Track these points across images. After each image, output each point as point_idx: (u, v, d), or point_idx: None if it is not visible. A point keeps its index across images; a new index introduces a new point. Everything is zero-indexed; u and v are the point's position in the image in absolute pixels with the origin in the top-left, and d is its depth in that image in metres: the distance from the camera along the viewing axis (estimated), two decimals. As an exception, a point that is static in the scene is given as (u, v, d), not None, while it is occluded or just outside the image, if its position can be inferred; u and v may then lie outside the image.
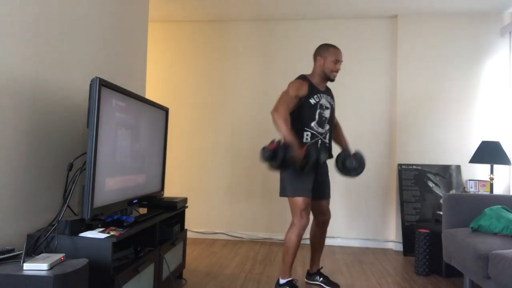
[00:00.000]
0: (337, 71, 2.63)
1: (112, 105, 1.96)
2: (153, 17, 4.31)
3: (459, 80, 3.93)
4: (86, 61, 2.36)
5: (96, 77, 1.77)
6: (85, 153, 1.98)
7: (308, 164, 2.44)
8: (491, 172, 3.36)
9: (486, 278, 2.14)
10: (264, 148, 2.38)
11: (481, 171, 3.86)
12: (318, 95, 2.64)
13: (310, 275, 2.84)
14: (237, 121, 4.28)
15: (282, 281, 2.61)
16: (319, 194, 2.69)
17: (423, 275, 3.06)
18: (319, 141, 2.64)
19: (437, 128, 3.93)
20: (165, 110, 2.80)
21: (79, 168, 2.04)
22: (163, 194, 2.82)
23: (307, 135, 2.61)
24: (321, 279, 2.77)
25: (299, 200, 2.54)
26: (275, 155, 2.31)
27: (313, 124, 2.61)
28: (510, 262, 1.90)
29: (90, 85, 1.78)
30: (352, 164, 2.64)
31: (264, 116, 4.25)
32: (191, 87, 4.37)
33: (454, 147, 3.91)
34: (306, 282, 2.84)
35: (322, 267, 2.88)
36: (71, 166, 1.96)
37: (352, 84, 4.15)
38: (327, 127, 2.68)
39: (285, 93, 2.57)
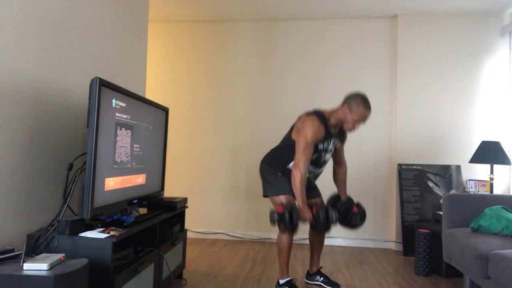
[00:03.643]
0: (354, 129, 2.51)
1: (112, 105, 1.96)
2: (153, 17, 4.31)
3: (459, 80, 3.93)
4: (86, 61, 2.36)
5: (96, 77, 1.77)
6: (85, 153, 1.98)
7: (317, 225, 2.46)
8: (491, 172, 3.36)
9: (486, 278, 2.14)
10: (272, 212, 2.39)
11: (481, 171, 3.86)
12: (328, 140, 2.56)
13: (310, 275, 2.84)
14: (237, 121, 4.28)
15: (281, 281, 2.63)
16: (308, 195, 2.68)
17: (423, 275, 3.06)
18: (311, 176, 2.68)
19: (437, 128, 3.93)
20: (165, 110, 2.80)
21: (79, 168, 2.04)
22: (163, 194, 2.82)
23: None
24: (322, 278, 2.77)
25: (283, 198, 2.54)
26: (283, 219, 2.34)
27: (309, 165, 2.58)
28: (510, 262, 1.90)
29: (90, 85, 1.78)
30: (357, 222, 2.62)
31: (264, 116, 4.25)
32: (191, 87, 4.37)
33: (454, 147, 3.91)
34: (306, 283, 2.84)
35: (321, 267, 2.88)
36: (71, 166, 1.96)
37: (352, 84, 4.15)
38: (323, 167, 2.69)
39: (304, 139, 2.43)
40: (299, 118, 2.58)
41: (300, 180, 2.40)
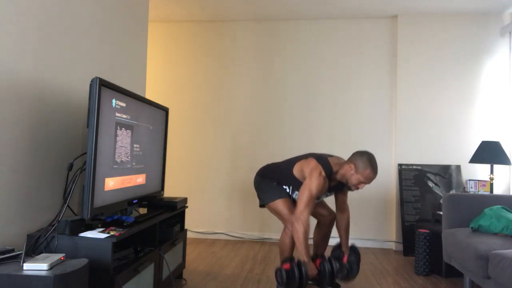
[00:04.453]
0: (358, 188, 2.45)
1: (112, 105, 1.96)
2: (153, 17, 4.31)
3: (459, 80, 3.93)
4: (86, 61, 2.36)
5: (96, 77, 1.77)
6: (85, 153, 1.98)
7: (323, 281, 2.37)
8: (491, 172, 3.36)
9: (486, 278, 2.14)
10: (279, 270, 2.27)
11: (481, 171, 3.86)
12: (327, 194, 2.58)
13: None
14: (237, 121, 4.28)
15: (282, 281, 2.62)
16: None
17: (423, 275, 3.06)
18: None
19: (437, 128, 3.93)
20: (165, 110, 2.80)
21: (79, 168, 2.04)
22: (163, 194, 2.82)
23: (290, 195, 2.60)
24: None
25: (279, 202, 2.53)
26: (290, 277, 2.24)
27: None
28: (510, 262, 1.90)
29: (90, 85, 1.78)
30: (353, 273, 2.55)
31: (264, 115, 4.25)
32: (191, 87, 4.37)
33: (454, 147, 3.91)
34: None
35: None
36: (71, 166, 1.96)
37: (352, 84, 4.15)
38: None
39: (309, 192, 2.38)
40: (305, 158, 2.53)
41: (303, 234, 2.32)
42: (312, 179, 2.40)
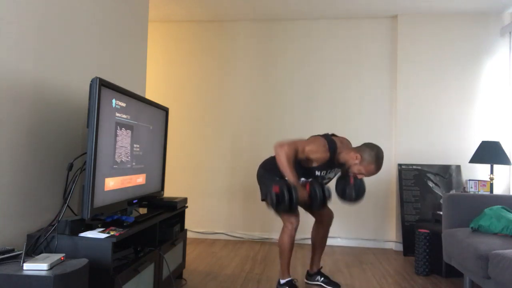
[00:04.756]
0: (357, 177, 2.45)
1: (112, 105, 1.96)
2: (153, 17, 4.31)
3: (459, 80, 3.93)
4: (86, 61, 2.36)
5: (96, 77, 1.77)
6: (85, 153, 1.97)
7: (315, 203, 2.34)
8: (491, 172, 3.36)
9: (486, 278, 2.14)
10: (269, 192, 2.25)
11: (481, 171, 3.86)
12: (328, 170, 2.51)
13: (310, 275, 2.84)
14: (237, 121, 4.28)
15: (282, 281, 2.63)
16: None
17: (423, 275, 3.06)
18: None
19: (437, 128, 3.93)
20: (165, 110, 2.80)
21: (79, 168, 2.04)
22: (163, 194, 2.82)
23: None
24: (322, 278, 2.77)
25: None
26: (280, 200, 2.21)
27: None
28: (510, 262, 1.90)
29: (90, 85, 1.78)
30: (351, 195, 2.50)
31: (264, 116, 4.25)
32: (191, 87, 4.37)
33: (454, 147, 3.91)
34: (306, 283, 2.84)
35: (322, 267, 2.88)
36: (71, 166, 1.96)
37: (352, 84, 4.15)
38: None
39: (302, 143, 2.37)
40: (313, 135, 2.53)
41: (287, 159, 2.28)
42: (313, 141, 2.39)
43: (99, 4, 2.50)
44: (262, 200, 2.65)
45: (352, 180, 2.52)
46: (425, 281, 2.92)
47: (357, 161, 2.40)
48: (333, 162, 2.48)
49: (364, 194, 2.55)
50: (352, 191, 2.49)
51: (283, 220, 2.56)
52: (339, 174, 2.66)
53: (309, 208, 2.50)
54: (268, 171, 2.64)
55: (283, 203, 2.22)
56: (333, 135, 2.58)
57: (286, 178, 2.38)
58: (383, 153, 2.44)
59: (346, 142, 2.55)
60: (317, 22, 4.23)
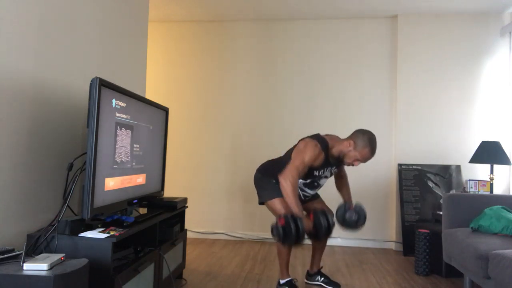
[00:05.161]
0: (353, 165, 2.45)
1: (112, 105, 1.96)
2: (153, 17, 4.31)
3: (459, 80, 3.93)
4: (86, 61, 2.36)
5: (96, 77, 1.77)
6: (85, 153, 1.97)
7: (320, 233, 2.35)
8: (491, 172, 3.36)
9: (486, 278, 2.14)
10: (275, 226, 2.23)
11: (481, 171, 3.86)
12: (325, 168, 2.53)
13: (310, 275, 2.84)
14: (237, 120, 4.28)
15: (282, 281, 2.64)
16: (304, 202, 2.68)
17: (423, 275, 3.06)
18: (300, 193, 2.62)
19: (437, 128, 3.93)
20: (165, 110, 2.80)
21: (79, 168, 2.04)
22: (163, 194, 2.82)
23: None
24: (322, 278, 2.77)
25: (276, 201, 2.53)
26: (287, 232, 2.19)
27: (304, 186, 2.58)
28: (510, 262, 1.90)
29: (90, 85, 1.78)
30: (351, 218, 2.52)
31: (264, 116, 4.25)
32: (191, 87, 4.37)
33: (454, 147, 3.91)
34: (306, 283, 2.84)
35: (322, 267, 2.88)
36: (71, 166, 1.96)
37: (352, 84, 4.15)
38: (316, 190, 2.66)
39: (300, 157, 2.37)
40: (302, 139, 2.54)
41: (292, 190, 2.28)
42: (306, 149, 2.39)
43: (99, 4, 2.50)
44: (260, 203, 2.67)
45: (352, 206, 2.58)
46: (425, 281, 2.92)
47: (350, 148, 2.41)
48: (328, 160, 2.49)
49: (365, 219, 2.57)
50: (353, 214, 2.53)
51: None
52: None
53: (313, 237, 2.51)
54: (265, 175, 2.65)
55: (289, 235, 2.20)
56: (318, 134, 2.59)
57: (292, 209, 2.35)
58: (375, 136, 2.45)
59: (335, 137, 2.57)
60: (317, 22, 4.23)
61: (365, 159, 2.42)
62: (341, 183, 2.75)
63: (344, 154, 2.44)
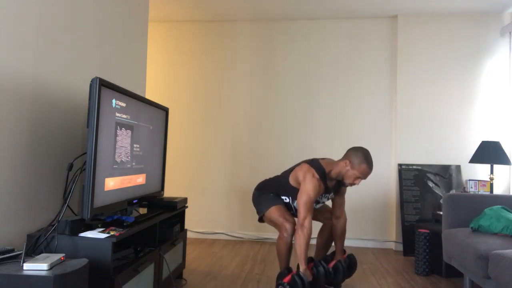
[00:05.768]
0: (355, 184, 2.47)
1: (112, 105, 1.96)
2: (153, 17, 4.31)
3: (459, 80, 3.93)
4: (86, 61, 2.36)
5: (96, 77, 1.77)
6: (85, 153, 1.98)
7: (318, 284, 2.41)
8: (491, 172, 3.36)
9: (486, 278, 2.14)
10: (281, 285, 2.28)
11: (481, 171, 3.86)
12: (323, 195, 2.57)
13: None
14: (237, 120, 4.28)
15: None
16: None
17: (423, 275, 3.06)
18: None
19: (437, 128, 3.93)
20: (165, 110, 2.80)
21: (79, 168, 2.05)
22: (163, 194, 2.82)
23: (288, 206, 2.63)
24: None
25: (272, 209, 2.55)
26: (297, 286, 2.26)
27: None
28: (510, 262, 1.90)
29: (90, 85, 1.78)
30: (337, 280, 2.58)
31: (264, 115, 4.25)
32: (191, 87, 4.37)
33: (454, 147, 3.91)
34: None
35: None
36: (71, 166, 1.96)
37: (352, 84, 4.15)
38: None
39: (307, 196, 2.40)
40: (299, 165, 2.57)
41: (306, 242, 2.34)
42: (306, 183, 2.43)
43: (99, 4, 2.50)
44: (259, 220, 2.70)
45: (345, 255, 2.66)
46: (425, 281, 2.92)
47: (348, 167, 2.43)
48: (327, 186, 2.53)
49: (355, 267, 2.65)
50: (343, 263, 2.59)
51: (278, 228, 2.54)
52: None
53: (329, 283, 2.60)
54: (263, 191, 2.70)
55: None
56: (320, 159, 2.62)
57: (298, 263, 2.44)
58: (368, 151, 2.48)
59: (330, 160, 2.59)
60: (317, 22, 4.23)
61: (364, 175, 2.43)
62: (337, 227, 2.70)
63: (343, 175, 2.46)
